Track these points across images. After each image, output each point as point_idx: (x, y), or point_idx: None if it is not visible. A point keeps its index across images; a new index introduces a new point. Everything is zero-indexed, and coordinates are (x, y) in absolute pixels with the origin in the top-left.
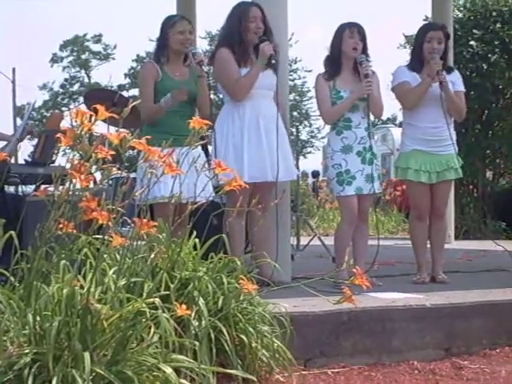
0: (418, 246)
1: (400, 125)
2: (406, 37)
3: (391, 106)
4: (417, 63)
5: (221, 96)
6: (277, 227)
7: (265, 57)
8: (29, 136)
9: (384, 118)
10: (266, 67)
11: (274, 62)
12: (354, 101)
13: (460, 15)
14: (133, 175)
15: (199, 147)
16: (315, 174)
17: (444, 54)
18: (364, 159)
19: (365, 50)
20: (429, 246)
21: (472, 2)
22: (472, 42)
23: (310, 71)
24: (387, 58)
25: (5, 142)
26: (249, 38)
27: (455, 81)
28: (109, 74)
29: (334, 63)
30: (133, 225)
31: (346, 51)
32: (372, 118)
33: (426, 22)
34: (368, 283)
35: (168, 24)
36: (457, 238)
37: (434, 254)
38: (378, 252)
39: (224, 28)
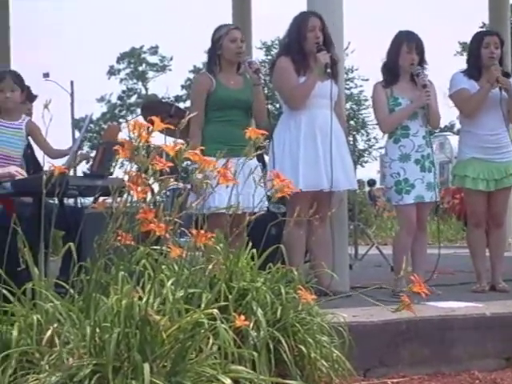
0: (477, 255)
1: (458, 133)
2: (461, 44)
3: (449, 114)
4: (474, 70)
5: (277, 106)
6: (334, 237)
7: (321, 65)
8: (85, 160)
9: (442, 125)
10: (325, 77)
11: (329, 70)
12: (412, 111)
13: None
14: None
15: (254, 158)
16: (371, 183)
17: (500, 59)
18: (423, 167)
19: (421, 62)
20: (488, 254)
21: None
22: None
23: (366, 80)
24: (443, 66)
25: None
26: (307, 47)
27: None
28: (165, 86)
29: (390, 72)
30: (190, 236)
31: (403, 65)
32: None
33: (480, 30)
34: (427, 291)
35: (219, 33)
36: None
37: (494, 262)
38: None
39: (284, 37)
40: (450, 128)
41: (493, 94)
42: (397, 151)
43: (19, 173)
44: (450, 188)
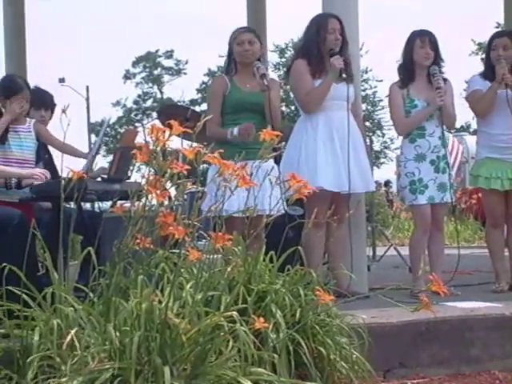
0: (495, 254)
1: (474, 133)
2: (475, 43)
3: (465, 114)
4: (489, 71)
5: (293, 108)
6: (351, 238)
7: (335, 70)
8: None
9: (458, 125)
10: (340, 79)
11: (344, 75)
12: (428, 114)
13: None
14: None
15: (272, 160)
16: (386, 183)
17: None
18: (437, 168)
19: (436, 59)
20: (507, 253)
21: None
22: None
23: (380, 81)
24: (460, 65)
25: (81, 160)
26: (326, 50)
27: None
28: (181, 89)
29: (406, 71)
30: (209, 238)
31: (418, 61)
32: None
33: (495, 31)
34: (445, 290)
35: (231, 36)
36: None
37: None
38: (456, 261)
39: (302, 39)
40: (466, 128)
41: (500, 93)
42: (412, 151)
43: (43, 173)
44: (467, 188)
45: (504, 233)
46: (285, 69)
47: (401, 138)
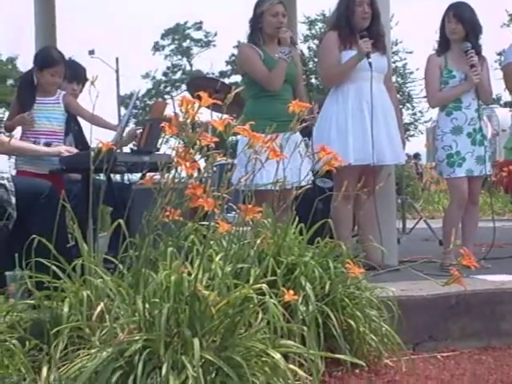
0: None
1: (505, 105)
2: (508, 13)
3: (496, 87)
4: None
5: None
6: (382, 211)
7: (362, 53)
8: (134, 141)
9: None
10: (372, 50)
11: (370, 60)
12: (463, 91)
13: None
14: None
15: (298, 132)
16: (416, 156)
17: None
18: (474, 140)
19: (468, 35)
20: None
21: None
22: None
23: (410, 52)
24: (491, 37)
25: (111, 132)
26: (355, 22)
27: None
28: (210, 62)
29: (443, 43)
30: (238, 211)
31: (448, 36)
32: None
33: None
34: (476, 264)
35: (262, 7)
36: None
37: None
38: (486, 234)
39: (334, 12)
40: (496, 100)
41: None
42: (449, 124)
43: (69, 151)
44: (497, 161)
45: None
46: (315, 40)
47: (431, 110)
